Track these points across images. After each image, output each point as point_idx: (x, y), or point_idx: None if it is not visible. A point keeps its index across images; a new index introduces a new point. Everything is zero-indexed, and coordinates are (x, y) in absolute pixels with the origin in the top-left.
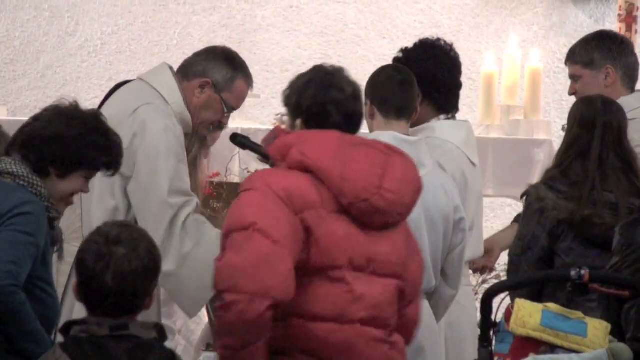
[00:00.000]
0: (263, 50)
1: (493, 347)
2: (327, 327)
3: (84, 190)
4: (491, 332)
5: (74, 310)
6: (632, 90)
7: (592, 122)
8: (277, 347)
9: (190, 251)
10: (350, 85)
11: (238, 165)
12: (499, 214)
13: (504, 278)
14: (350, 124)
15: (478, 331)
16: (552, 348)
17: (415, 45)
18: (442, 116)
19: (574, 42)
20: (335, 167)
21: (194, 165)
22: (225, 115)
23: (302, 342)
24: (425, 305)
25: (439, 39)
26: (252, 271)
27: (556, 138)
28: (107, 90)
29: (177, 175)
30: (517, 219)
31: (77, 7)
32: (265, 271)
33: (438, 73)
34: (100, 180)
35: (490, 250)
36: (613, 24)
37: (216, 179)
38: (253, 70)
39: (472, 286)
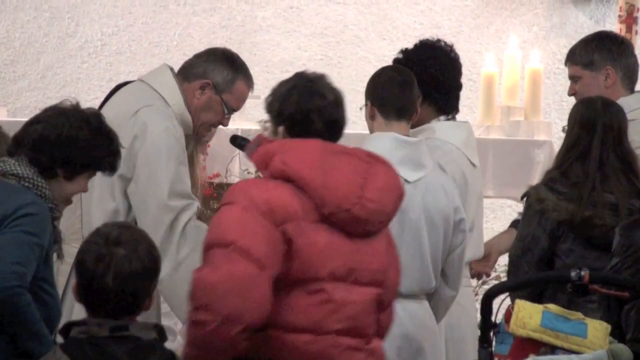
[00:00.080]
0: (263, 51)
1: (493, 348)
2: (304, 338)
3: (85, 190)
4: (491, 333)
5: (74, 311)
6: (631, 91)
7: (593, 123)
8: (254, 357)
9: (187, 257)
10: (332, 91)
11: (238, 166)
12: (499, 214)
13: (504, 279)
14: (333, 131)
15: (478, 332)
16: (552, 349)
17: (416, 46)
18: (442, 117)
19: (574, 43)
20: (317, 176)
21: (191, 162)
22: (226, 116)
23: (279, 352)
24: (425, 306)
25: (439, 40)
26: (227, 294)
27: (556, 139)
28: (107, 91)
29: (177, 177)
30: (513, 224)
31: (77, 8)
32: (241, 296)
33: (438, 74)
34: (99, 182)
35: (488, 255)
36: (613, 25)
37: (216, 180)
38: (253, 71)
39: (472, 287)
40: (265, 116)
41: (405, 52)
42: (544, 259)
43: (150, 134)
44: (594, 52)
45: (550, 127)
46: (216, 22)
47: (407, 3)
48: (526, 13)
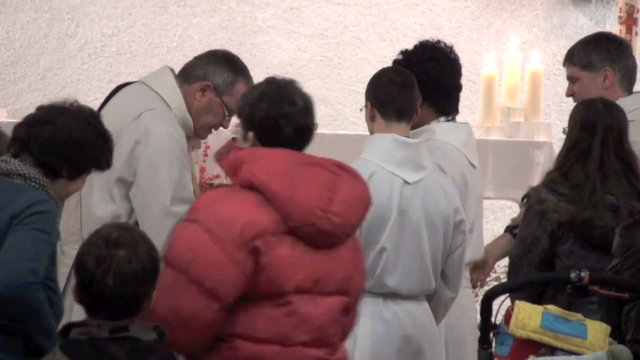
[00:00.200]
0: (263, 52)
1: (493, 349)
2: (272, 350)
3: (81, 188)
4: (491, 334)
5: (73, 312)
6: (630, 92)
7: (593, 124)
8: None
9: None
10: (301, 97)
11: None
12: (499, 216)
13: (504, 280)
14: (302, 137)
15: (478, 333)
16: (552, 350)
17: (415, 47)
18: (442, 118)
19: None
20: (283, 189)
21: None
22: (226, 118)
23: None
24: (425, 308)
25: (438, 41)
26: (172, 330)
27: (556, 140)
28: (107, 92)
29: (180, 183)
30: (508, 229)
31: (77, 9)
32: (186, 329)
33: (438, 75)
34: (98, 184)
35: (484, 263)
36: (613, 26)
37: (216, 181)
38: (253, 72)
39: (472, 288)
40: None
41: (405, 53)
42: (544, 260)
43: (153, 139)
44: (592, 53)
45: (550, 128)
46: (216, 23)
47: (407, 4)
48: (526, 14)
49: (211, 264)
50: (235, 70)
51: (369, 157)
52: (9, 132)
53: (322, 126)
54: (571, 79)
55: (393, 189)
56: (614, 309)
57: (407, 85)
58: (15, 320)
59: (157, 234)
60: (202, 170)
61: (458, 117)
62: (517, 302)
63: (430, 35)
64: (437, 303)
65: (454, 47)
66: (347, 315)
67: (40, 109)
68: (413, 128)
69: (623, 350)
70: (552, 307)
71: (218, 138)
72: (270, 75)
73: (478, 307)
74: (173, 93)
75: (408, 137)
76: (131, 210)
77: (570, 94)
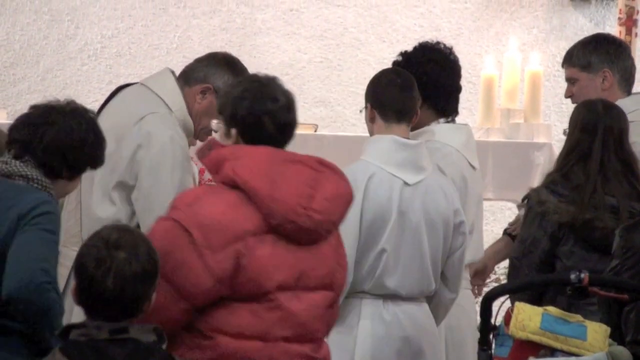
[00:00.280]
0: (263, 53)
1: (493, 351)
2: (254, 346)
3: (76, 187)
4: (491, 336)
5: (73, 313)
6: (628, 93)
7: (594, 125)
8: None
9: None
10: (283, 94)
11: None
12: (499, 217)
13: (504, 282)
14: (284, 134)
15: (478, 334)
16: (552, 351)
17: (415, 48)
18: (441, 119)
19: None
20: (264, 187)
21: None
22: None
23: (229, 358)
24: (425, 309)
25: (438, 43)
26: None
27: (556, 141)
28: (107, 94)
29: (182, 187)
30: (506, 233)
31: (77, 11)
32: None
33: (437, 76)
34: (98, 186)
35: (484, 268)
36: (613, 27)
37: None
38: None
39: (472, 289)
40: None
41: (404, 54)
42: (544, 261)
43: (155, 142)
44: (591, 54)
45: (550, 129)
46: (216, 24)
47: (407, 6)
48: (526, 15)
49: (184, 265)
50: (235, 72)
51: (369, 158)
52: None
53: (322, 127)
54: (570, 80)
55: (393, 191)
56: (613, 310)
57: (407, 87)
58: (28, 321)
59: None
60: (202, 172)
61: (458, 119)
62: (517, 304)
63: (430, 36)
64: (437, 304)
65: (453, 49)
66: (331, 309)
67: (36, 109)
68: (413, 129)
69: (623, 351)
70: (551, 309)
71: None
72: None
73: (478, 309)
74: (174, 95)
75: (408, 138)
76: (132, 214)
77: (569, 95)
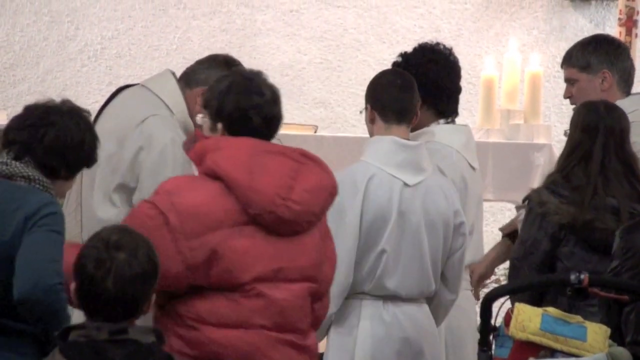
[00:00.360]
0: (263, 54)
1: (493, 352)
2: (235, 334)
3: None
4: (491, 336)
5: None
6: (628, 93)
7: (595, 126)
8: (188, 355)
9: None
10: (269, 88)
11: None
12: (499, 218)
13: (504, 282)
14: (270, 128)
15: (478, 335)
16: (552, 352)
17: (415, 49)
18: (441, 120)
19: None
20: (244, 178)
21: None
22: None
23: (212, 348)
24: (424, 310)
25: (438, 44)
26: None
27: (556, 142)
28: (107, 95)
29: None
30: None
31: (76, 12)
32: None
33: (437, 77)
34: (99, 187)
35: (485, 274)
36: (613, 28)
37: None
38: None
39: (472, 290)
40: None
41: (404, 55)
42: (545, 262)
43: (156, 144)
44: (591, 55)
45: (550, 130)
46: (216, 25)
47: (407, 7)
48: (526, 16)
49: (157, 248)
50: None
51: (369, 159)
52: None
53: (322, 128)
54: (569, 80)
55: (393, 192)
56: (614, 310)
57: (407, 88)
58: (39, 322)
59: None
60: None
61: (458, 120)
62: (517, 305)
63: (429, 37)
64: (437, 305)
65: (453, 50)
66: (319, 301)
67: (32, 109)
68: (413, 130)
69: (623, 352)
70: (551, 310)
71: None
72: (270, 78)
73: (478, 309)
74: (175, 97)
75: (408, 139)
76: None
77: (568, 95)
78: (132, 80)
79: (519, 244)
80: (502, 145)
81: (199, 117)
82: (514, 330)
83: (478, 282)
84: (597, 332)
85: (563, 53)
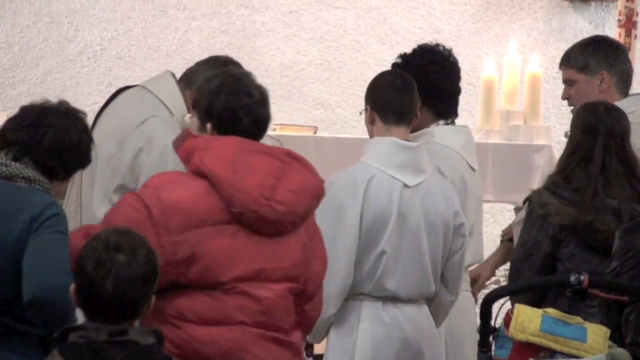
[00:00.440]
0: (262, 55)
1: (492, 353)
2: (217, 331)
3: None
4: (490, 338)
5: None
6: (625, 95)
7: (595, 128)
8: (171, 352)
9: None
10: (257, 89)
11: None
12: (499, 219)
13: (504, 283)
14: (258, 129)
15: (477, 336)
16: (552, 353)
17: (414, 50)
18: (441, 121)
19: None
20: (228, 176)
21: None
22: None
23: (193, 345)
24: (424, 311)
25: (437, 45)
26: None
27: (556, 143)
28: (106, 96)
29: None
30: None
31: (76, 13)
32: None
33: (437, 78)
34: (98, 189)
35: (489, 276)
36: (612, 29)
37: None
38: None
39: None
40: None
41: (404, 56)
42: (545, 263)
43: (156, 145)
44: (589, 56)
45: (550, 131)
46: (215, 26)
47: (407, 8)
48: (526, 17)
49: None
50: None
51: (369, 160)
52: None
53: (321, 129)
54: (568, 81)
55: (393, 192)
56: (613, 311)
57: (407, 89)
58: (48, 323)
59: None
60: None
61: (457, 121)
62: (517, 306)
63: (429, 38)
64: (437, 306)
65: (453, 51)
66: (307, 300)
67: (28, 110)
68: (412, 131)
69: (623, 353)
70: (551, 310)
71: None
72: (270, 79)
73: (478, 310)
74: (175, 98)
75: (408, 140)
76: None
77: (566, 97)
78: (132, 82)
79: (520, 245)
80: (502, 146)
81: (187, 117)
82: (514, 331)
83: (480, 285)
84: (597, 333)
85: (562, 54)
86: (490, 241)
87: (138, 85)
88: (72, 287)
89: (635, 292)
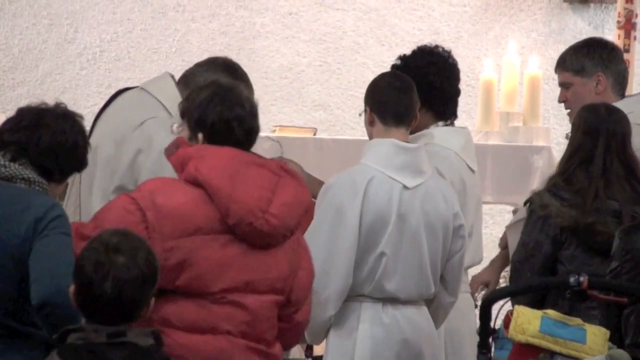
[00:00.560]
0: (262, 57)
1: (492, 354)
2: (204, 339)
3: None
4: (490, 339)
5: None
6: (622, 96)
7: (596, 129)
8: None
9: None
10: (248, 101)
11: None
12: (498, 220)
13: (503, 284)
14: (249, 139)
15: (477, 338)
16: (551, 355)
17: (413, 52)
18: (440, 123)
19: None
20: (225, 187)
21: None
22: None
23: (180, 352)
24: (424, 312)
25: (437, 46)
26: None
27: (555, 145)
28: (106, 98)
29: None
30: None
31: (76, 15)
32: None
33: (436, 80)
34: (98, 189)
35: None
36: (612, 31)
37: None
38: (252, 77)
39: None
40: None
41: (403, 58)
42: (546, 265)
43: (155, 147)
44: (585, 59)
45: (549, 132)
46: (215, 28)
47: (406, 9)
48: (525, 19)
49: None
50: (235, 77)
51: (369, 162)
52: None
53: (321, 131)
54: (564, 84)
55: (392, 194)
56: (613, 313)
57: (406, 90)
58: (56, 326)
59: None
60: None
61: (457, 122)
62: (517, 307)
63: (429, 40)
64: (437, 307)
65: (452, 52)
66: (293, 309)
67: (25, 112)
68: (412, 133)
69: (622, 354)
70: (551, 312)
71: None
72: (269, 80)
73: (477, 312)
74: (174, 100)
75: (407, 141)
76: None
77: (563, 100)
78: (131, 83)
79: (520, 246)
80: (501, 148)
81: (175, 127)
82: (514, 333)
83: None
84: (596, 335)
85: (558, 57)
86: (489, 242)
87: (137, 86)
88: (72, 288)
89: (634, 293)
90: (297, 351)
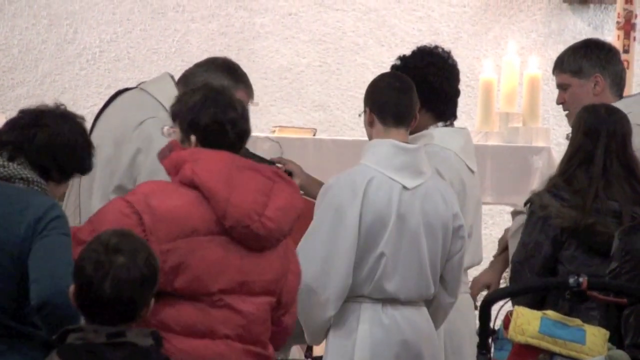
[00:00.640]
0: (261, 57)
1: (492, 355)
2: (202, 344)
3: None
4: (490, 340)
5: None
6: (620, 97)
7: (596, 130)
8: None
9: None
10: (240, 103)
11: None
12: (498, 220)
13: (503, 285)
14: (241, 142)
15: (477, 338)
16: (551, 355)
17: (413, 52)
18: (440, 123)
19: None
20: (222, 189)
21: None
22: None
23: (179, 356)
24: (423, 313)
25: (436, 47)
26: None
27: (555, 145)
28: (105, 98)
29: None
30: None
31: (75, 15)
32: None
33: (436, 80)
34: (98, 189)
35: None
36: (611, 32)
37: None
38: (251, 77)
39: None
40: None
41: (403, 58)
42: (546, 265)
43: (155, 147)
44: (582, 60)
45: (549, 133)
46: (214, 29)
47: (406, 10)
48: (525, 19)
49: None
50: (235, 78)
51: (368, 162)
52: None
53: (320, 132)
54: (561, 86)
55: (392, 195)
56: (612, 313)
57: (406, 91)
58: (56, 326)
59: None
60: None
61: (456, 123)
62: (516, 308)
63: (428, 40)
64: (436, 308)
65: (452, 53)
66: (282, 312)
67: (26, 113)
68: (411, 133)
69: (622, 355)
70: (550, 313)
71: None
72: (269, 81)
73: (477, 313)
74: (173, 100)
75: (407, 142)
76: None
77: (561, 101)
78: (131, 84)
79: (521, 246)
80: (501, 148)
81: (165, 129)
82: (513, 334)
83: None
84: (595, 335)
85: (555, 59)
86: (489, 243)
87: (137, 87)
88: (71, 288)
89: (634, 293)
90: (297, 351)
